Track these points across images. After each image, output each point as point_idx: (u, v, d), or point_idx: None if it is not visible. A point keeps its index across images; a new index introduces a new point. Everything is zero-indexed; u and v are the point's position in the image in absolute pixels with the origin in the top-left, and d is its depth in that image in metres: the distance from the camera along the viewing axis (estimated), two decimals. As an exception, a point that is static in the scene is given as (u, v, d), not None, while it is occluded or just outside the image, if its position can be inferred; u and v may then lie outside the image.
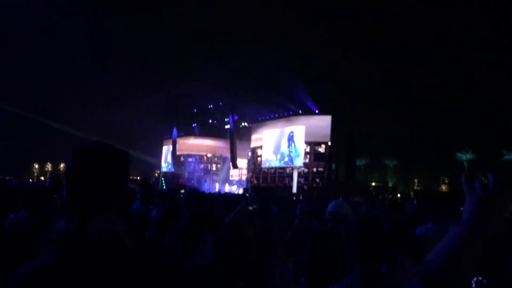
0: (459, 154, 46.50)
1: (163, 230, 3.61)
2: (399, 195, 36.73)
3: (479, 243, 0.93)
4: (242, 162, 50.83)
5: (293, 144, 40.16)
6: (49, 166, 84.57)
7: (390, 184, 42.41)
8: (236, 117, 48.24)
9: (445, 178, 50.20)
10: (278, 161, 41.76)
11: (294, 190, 38.35)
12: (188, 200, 3.69)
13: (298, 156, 39.59)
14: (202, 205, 3.60)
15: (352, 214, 3.71)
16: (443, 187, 49.99)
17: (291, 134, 40.50)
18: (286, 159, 40.72)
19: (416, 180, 50.75)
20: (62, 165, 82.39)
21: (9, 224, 3.61)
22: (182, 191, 9.73)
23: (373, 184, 40.09)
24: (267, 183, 42.78)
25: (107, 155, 1.32)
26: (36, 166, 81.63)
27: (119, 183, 1.32)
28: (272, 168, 42.79)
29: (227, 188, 46.12)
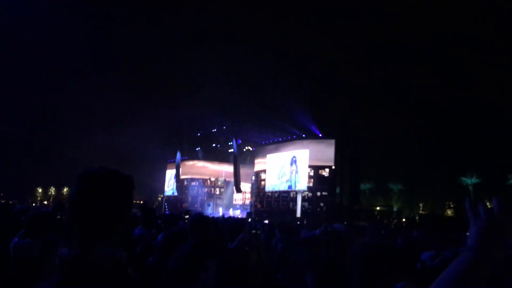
0: (464, 178, 46.19)
1: (167, 255, 3.58)
2: (404, 220, 36.37)
3: (485, 269, 0.92)
4: (245, 186, 50.62)
5: (296, 168, 40.07)
6: (52, 190, 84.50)
7: (395, 209, 41.99)
8: (239, 141, 48.34)
9: (451, 203, 49.73)
10: (281, 185, 41.59)
11: (298, 214, 38.06)
12: (192, 225, 3.66)
13: (302, 180, 39.43)
14: (206, 231, 3.57)
15: (356, 240, 3.67)
16: (449, 212, 49.48)
17: (294, 158, 40.46)
18: (290, 183, 40.56)
19: (421, 204, 50.27)
20: (65, 189, 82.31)
21: (14, 249, 3.60)
22: (187, 216, 9.67)
23: (378, 208, 39.71)
24: (270, 207, 42.51)
25: (112, 181, 1.32)
26: (40, 190, 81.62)
27: (123, 209, 1.33)
28: (276, 192, 42.58)
29: (231, 213, 45.82)
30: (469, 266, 0.92)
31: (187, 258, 3.31)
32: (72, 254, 1.22)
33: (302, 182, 39.35)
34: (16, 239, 3.71)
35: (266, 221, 17.46)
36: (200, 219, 3.76)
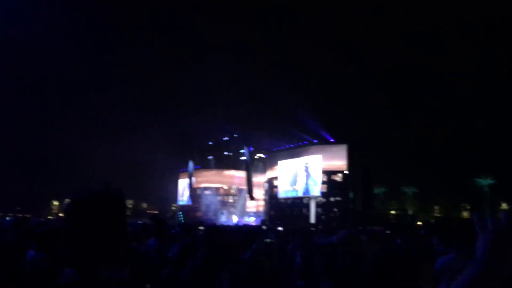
0: (479, 180, 45.47)
1: (180, 267, 3.57)
2: (419, 223, 35.87)
3: (493, 282, 0.90)
4: (258, 193, 50.52)
5: (309, 174, 39.90)
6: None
7: (409, 212, 41.47)
8: (251, 149, 48.33)
9: (466, 205, 48.98)
10: (295, 191, 41.44)
11: (312, 220, 37.84)
12: (206, 236, 3.65)
13: (315, 185, 39.24)
14: (220, 241, 3.55)
15: (367, 247, 3.58)
16: (465, 214, 48.71)
17: (307, 164, 40.30)
18: (303, 189, 40.39)
19: (436, 207, 49.59)
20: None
21: (27, 263, 3.62)
22: (201, 227, 9.66)
23: (392, 212, 39.30)
24: (284, 213, 42.34)
25: (99, 202, 1.31)
26: (56, 203, 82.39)
27: (117, 227, 1.32)
28: (289, 198, 42.43)
29: (246, 220, 45.76)
30: (477, 279, 0.90)
31: (201, 269, 3.29)
32: (76, 275, 1.24)
33: (315, 188, 39.17)
34: (30, 254, 3.73)
35: (280, 228, 17.37)
36: (214, 229, 3.75)
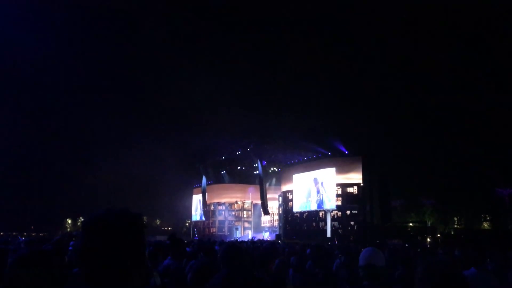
0: (499, 190, 44.46)
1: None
2: (439, 235, 35.07)
3: None
4: (273, 207, 50.15)
5: (324, 187, 39.46)
6: (81, 221, 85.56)
7: (428, 224, 40.61)
8: (264, 162, 48.11)
9: (487, 215, 47.87)
10: (310, 204, 40.98)
11: (329, 234, 37.29)
12: (225, 255, 3.46)
13: (330, 199, 38.78)
14: (240, 261, 3.35)
15: (385, 264, 3.32)
16: (485, 225, 47.61)
17: (321, 176, 39.89)
18: (318, 202, 39.93)
19: (456, 218, 48.56)
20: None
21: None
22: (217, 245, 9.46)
23: (411, 224, 38.48)
24: (300, 227, 41.86)
25: (120, 225, 1.22)
26: (69, 221, 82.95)
27: (136, 253, 1.23)
28: (304, 212, 41.98)
29: (265, 236, 45.42)
30: None
31: (220, 290, 3.10)
32: None
33: (330, 201, 38.69)
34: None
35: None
36: (233, 249, 3.56)
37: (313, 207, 40.50)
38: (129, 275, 1.20)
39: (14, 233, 45.77)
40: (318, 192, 39.95)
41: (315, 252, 6.75)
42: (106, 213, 1.24)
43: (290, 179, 44.63)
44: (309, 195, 41.15)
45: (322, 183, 39.69)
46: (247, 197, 54.32)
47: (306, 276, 6.07)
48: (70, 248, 5.59)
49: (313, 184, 40.47)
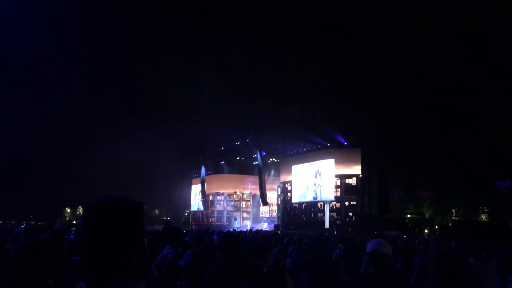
0: (497, 182, 44.57)
1: (195, 277, 3.37)
2: (437, 227, 35.22)
3: None
4: (271, 198, 50.32)
5: (322, 178, 39.54)
6: (80, 210, 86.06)
7: (426, 216, 40.75)
8: (263, 153, 48.14)
9: (485, 207, 48.04)
10: (308, 195, 41.11)
11: (327, 225, 37.45)
12: (223, 244, 3.47)
13: (328, 190, 38.88)
14: (238, 250, 3.35)
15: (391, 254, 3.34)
16: (483, 217, 47.79)
17: (320, 167, 39.97)
18: (317, 193, 40.05)
19: (454, 210, 48.73)
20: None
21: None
22: (215, 234, 9.49)
23: (409, 216, 38.63)
24: (298, 218, 42.04)
25: (121, 212, 1.22)
26: (68, 210, 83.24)
27: (137, 240, 1.24)
28: (303, 203, 42.13)
29: (263, 226, 45.63)
30: None
31: (218, 278, 3.10)
32: None
33: (329, 192, 38.80)
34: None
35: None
36: (230, 237, 3.56)
37: (312, 198, 40.63)
38: (129, 262, 1.21)
39: (13, 222, 45.97)
40: (317, 182, 40.04)
41: (317, 242, 6.77)
42: (107, 200, 1.24)
43: (289, 170, 44.72)
44: (307, 186, 41.28)
45: (321, 174, 39.77)
46: (246, 188, 54.46)
47: (306, 266, 6.09)
48: (72, 236, 5.60)
49: (313, 175, 40.56)
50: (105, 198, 1.25)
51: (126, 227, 1.21)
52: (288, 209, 44.44)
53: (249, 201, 54.96)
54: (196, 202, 59.52)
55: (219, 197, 55.59)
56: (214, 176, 56.27)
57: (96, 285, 1.17)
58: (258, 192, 48.65)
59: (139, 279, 1.23)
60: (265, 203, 47.95)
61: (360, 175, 37.83)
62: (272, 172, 52.05)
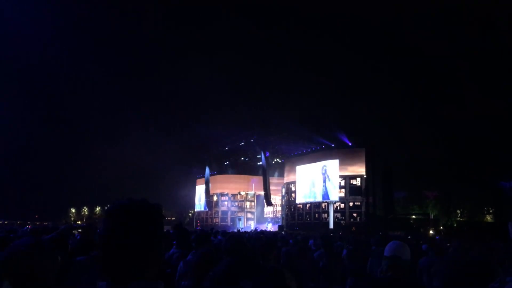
0: (502, 182, 44.32)
1: (201, 277, 3.41)
2: (441, 228, 35.09)
3: None
4: (276, 198, 50.26)
5: (327, 179, 39.47)
6: (85, 210, 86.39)
7: (431, 216, 40.59)
8: (268, 153, 48.11)
9: (490, 208, 47.81)
10: (313, 196, 41.02)
11: (331, 226, 37.37)
12: (229, 244, 3.51)
13: (333, 190, 38.79)
14: (243, 250, 3.39)
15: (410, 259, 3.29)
16: (488, 217, 47.57)
17: (324, 168, 39.89)
18: (321, 194, 39.96)
19: (459, 211, 48.53)
20: (97, 209, 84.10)
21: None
22: (219, 235, 9.49)
23: (414, 216, 38.50)
24: (302, 219, 41.97)
25: (141, 215, 1.27)
26: (73, 210, 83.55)
27: (156, 242, 1.28)
28: (307, 203, 42.04)
29: (269, 227, 45.59)
30: None
31: (222, 278, 3.13)
32: None
33: (333, 193, 38.71)
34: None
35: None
36: (236, 238, 3.60)
37: (316, 198, 40.51)
38: (147, 263, 1.24)
39: (18, 222, 46.22)
40: (322, 183, 39.94)
41: (325, 242, 6.76)
42: (129, 202, 1.28)
43: (293, 171, 44.66)
44: (312, 186, 41.18)
45: (325, 175, 39.69)
46: (250, 188, 54.44)
47: (310, 265, 6.10)
48: (77, 236, 5.65)
49: (317, 175, 40.45)
50: (126, 200, 1.29)
51: (146, 229, 1.25)
52: (293, 209, 44.37)
53: (253, 201, 54.95)
54: (200, 203, 59.57)
55: (223, 198, 55.61)
56: (219, 176, 56.29)
57: (116, 285, 1.20)
58: (262, 193, 48.63)
59: (158, 280, 1.26)
60: (269, 203, 47.92)
61: (365, 176, 37.71)
62: (277, 172, 52.00)
